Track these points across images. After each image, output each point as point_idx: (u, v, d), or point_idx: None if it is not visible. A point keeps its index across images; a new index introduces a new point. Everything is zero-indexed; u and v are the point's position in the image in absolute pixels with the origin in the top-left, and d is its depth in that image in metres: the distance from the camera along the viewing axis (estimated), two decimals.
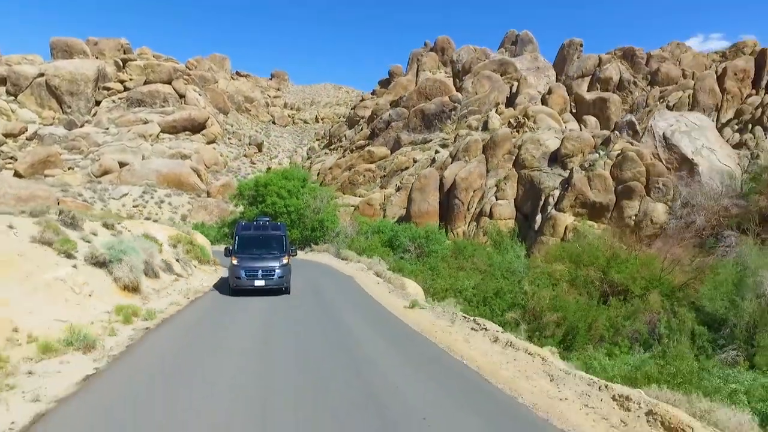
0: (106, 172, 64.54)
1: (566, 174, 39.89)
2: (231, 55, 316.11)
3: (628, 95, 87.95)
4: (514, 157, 43.19)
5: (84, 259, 11.55)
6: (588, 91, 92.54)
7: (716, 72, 64.77)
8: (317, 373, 7.04)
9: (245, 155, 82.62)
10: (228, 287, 15.33)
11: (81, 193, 56.65)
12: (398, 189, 47.56)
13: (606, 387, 6.17)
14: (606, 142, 41.43)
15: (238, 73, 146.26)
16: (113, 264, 11.90)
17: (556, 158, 41.56)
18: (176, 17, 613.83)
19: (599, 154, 40.48)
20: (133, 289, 12.23)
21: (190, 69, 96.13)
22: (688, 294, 23.91)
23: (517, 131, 50.16)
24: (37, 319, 8.12)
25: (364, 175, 52.98)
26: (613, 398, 5.91)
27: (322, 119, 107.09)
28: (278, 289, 14.98)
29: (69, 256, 11.35)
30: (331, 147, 79.75)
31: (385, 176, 51.51)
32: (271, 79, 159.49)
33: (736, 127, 56.85)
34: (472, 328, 10.04)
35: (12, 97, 75.34)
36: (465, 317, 10.98)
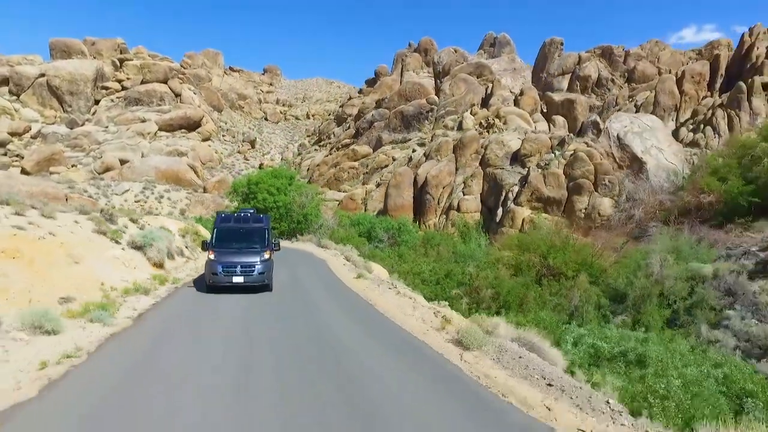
0: (107, 169, 69.42)
1: (525, 172, 45.27)
2: (224, 50, 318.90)
3: (606, 92, 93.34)
4: (480, 157, 48.54)
5: (127, 244, 16.82)
6: (568, 88, 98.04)
7: (676, 75, 70.17)
8: (284, 299, 12.43)
9: (239, 152, 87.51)
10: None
11: (86, 189, 61.55)
12: (378, 185, 52.80)
13: (432, 308, 11.57)
14: (561, 143, 46.82)
15: (231, 68, 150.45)
16: (146, 248, 17.18)
17: (517, 157, 46.94)
18: (169, 13, 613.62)
19: (554, 154, 45.89)
20: (160, 265, 17.50)
21: (184, 68, 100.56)
22: (609, 275, 29.54)
23: (488, 131, 55.45)
24: (111, 278, 13.40)
25: (348, 172, 58.15)
26: (434, 313, 11.31)
27: (312, 116, 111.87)
28: (259, 286, 14.47)
29: (117, 242, 16.61)
30: (321, 143, 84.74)
31: (367, 173, 56.74)
32: (263, 74, 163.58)
33: (691, 126, 62.33)
34: (388, 288, 15.41)
35: (15, 97, 79.81)
36: (387, 282, 16.34)
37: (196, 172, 72.74)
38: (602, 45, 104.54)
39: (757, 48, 62.52)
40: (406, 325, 10.43)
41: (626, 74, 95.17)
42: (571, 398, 5.99)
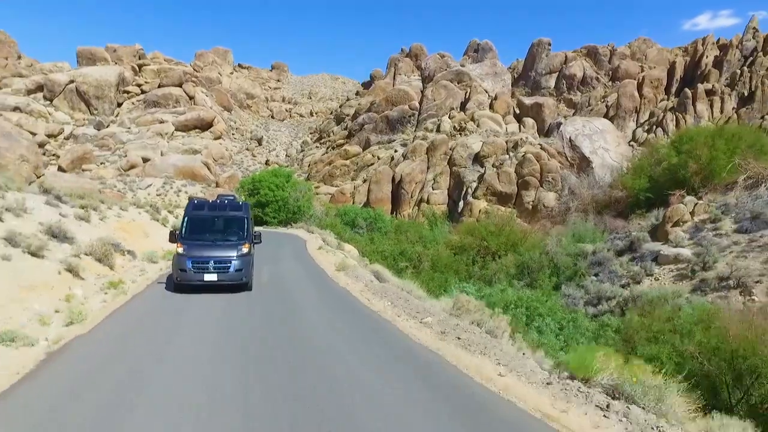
0: (132, 167, 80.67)
1: (483, 170, 55.12)
2: (233, 47, 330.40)
3: (590, 90, 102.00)
4: (448, 157, 58.49)
5: (171, 227, 27.42)
6: (555, 86, 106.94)
7: (637, 80, 78.97)
8: (262, 251, 22.89)
9: (247, 149, 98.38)
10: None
11: (115, 185, 72.81)
12: (364, 181, 63.12)
13: (342, 258, 22.03)
14: (515, 146, 56.55)
15: (240, 65, 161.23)
16: None
17: (477, 158, 56.80)
18: (179, 10, 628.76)
19: (509, 155, 55.67)
20: None
21: (197, 71, 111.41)
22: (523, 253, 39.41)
23: (460, 134, 65.28)
24: (167, 246, 23.93)
25: (340, 169, 68.52)
26: (342, 260, 21.76)
27: (316, 113, 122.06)
28: (236, 285, 13.40)
29: (164, 225, 27.25)
30: (321, 141, 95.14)
31: (356, 170, 67.05)
32: (271, 70, 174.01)
33: (646, 127, 71.41)
34: (333, 254, 25.83)
35: (48, 102, 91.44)
36: (334, 250, 26.75)
37: (209, 169, 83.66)
38: (588, 45, 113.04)
39: (706, 57, 71.12)
40: (322, 265, 20.88)
41: (610, 73, 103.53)
42: (359, 280, 16.27)
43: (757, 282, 23.60)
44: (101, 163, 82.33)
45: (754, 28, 71.03)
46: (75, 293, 10.71)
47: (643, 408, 5.42)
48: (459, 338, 8.50)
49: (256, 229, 20.55)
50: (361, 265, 23.82)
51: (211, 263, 13.16)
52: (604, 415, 5.43)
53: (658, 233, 35.10)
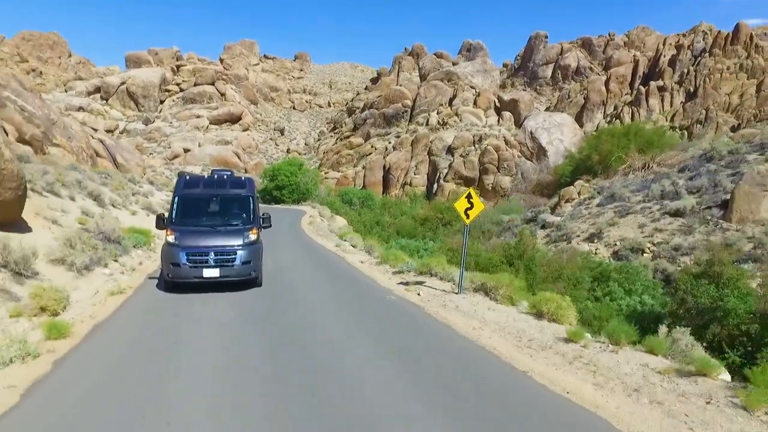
0: (175, 156, 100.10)
1: (452, 159, 71.32)
2: (258, 38, 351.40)
3: (584, 80, 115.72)
4: (428, 148, 74.86)
5: None
6: (551, 75, 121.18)
7: (605, 77, 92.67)
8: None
9: (271, 138, 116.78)
10: None
11: (163, 172, 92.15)
12: (363, 168, 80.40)
13: (317, 220, 39.75)
14: (480, 139, 72.44)
15: (266, 56, 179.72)
16: None
17: (449, 149, 73.01)
18: (210, 4, 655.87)
19: (474, 147, 71.71)
20: None
21: (226, 69, 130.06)
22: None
23: (443, 128, 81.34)
24: None
25: (345, 158, 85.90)
26: (313, 221, 39.43)
27: (333, 104, 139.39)
28: (242, 282, 11.61)
29: None
30: (335, 131, 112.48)
31: (357, 159, 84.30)
32: (294, 60, 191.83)
33: (608, 119, 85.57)
34: (313, 218, 43.46)
35: (104, 101, 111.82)
36: (317, 217, 44.37)
37: (239, 157, 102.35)
38: (583, 36, 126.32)
39: (664, 56, 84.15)
40: (302, 221, 38.50)
41: (604, 62, 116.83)
42: (314, 226, 33.54)
43: (577, 236, 40.15)
44: (150, 154, 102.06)
45: (703, 31, 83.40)
46: None
47: (347, 242, 22.58)
48: (324, 238, 25.74)
49: (269, 207, 35.87)
50: (332, 224, 41.11)
51: (212, 255, 11.29)
52: (336, 244, 22.54)
53: (556, 208, 51.38)
